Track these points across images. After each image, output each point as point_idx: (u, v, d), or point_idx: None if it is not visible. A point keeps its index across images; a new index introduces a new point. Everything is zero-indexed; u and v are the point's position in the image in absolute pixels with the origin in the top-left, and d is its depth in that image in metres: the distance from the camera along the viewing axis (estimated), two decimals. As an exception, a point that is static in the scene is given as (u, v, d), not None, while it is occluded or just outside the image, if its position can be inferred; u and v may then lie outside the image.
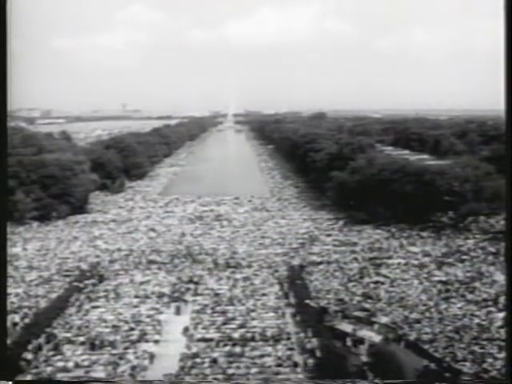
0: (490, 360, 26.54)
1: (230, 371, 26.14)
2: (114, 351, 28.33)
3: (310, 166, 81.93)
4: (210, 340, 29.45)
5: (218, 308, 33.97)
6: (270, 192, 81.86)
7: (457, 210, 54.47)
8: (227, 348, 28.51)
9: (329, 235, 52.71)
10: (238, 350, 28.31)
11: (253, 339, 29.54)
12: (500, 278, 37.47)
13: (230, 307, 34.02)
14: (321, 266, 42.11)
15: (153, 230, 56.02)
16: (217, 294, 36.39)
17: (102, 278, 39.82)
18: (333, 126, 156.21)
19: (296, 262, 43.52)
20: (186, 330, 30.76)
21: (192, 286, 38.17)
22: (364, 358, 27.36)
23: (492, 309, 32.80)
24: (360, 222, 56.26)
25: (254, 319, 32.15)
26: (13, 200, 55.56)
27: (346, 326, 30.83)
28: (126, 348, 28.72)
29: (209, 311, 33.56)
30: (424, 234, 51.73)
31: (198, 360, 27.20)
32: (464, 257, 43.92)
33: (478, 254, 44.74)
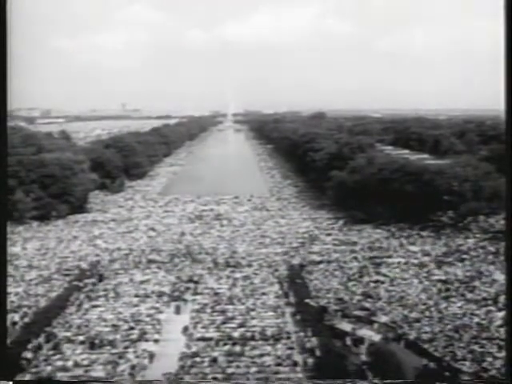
0: (489, 359, 26.56)
1: (230, 370, 26.15)
2: (113, 350, 28.33)
3: (310, 166, 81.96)
4: (210, 339, 29.46)
5: (217, 307, 33.98)
6: (270, 191, 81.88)
7: (456, 210, 54.51)
8: (227, 347, 28.52)
9: (329, 234, 52.75)
10: (237, 349, 28.32)
11: (252, 338, 29.55)
12: (500, 277, 37.50)
13: (230, 306, 34.03)
14: (321, 266, 42.12)
15: (152, 229, 56.03)
16: (216, 294, 36.41)
17: (101, 277, 39.82)
18: (332, 125, 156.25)
19: (296, 261, 43.55)
20: (185, 329, 30.78)
21: (192, 285, 38.18)
22: (364, 358, 27.38)
23: (492, 308, 32.82)
24: (360, 221, 56.29)
25: (253, 318, 32.16)
26: (12, 199, 55.57)
27: (346, 325, 30.87)
28: (126, 347, 28.73)
29: (208, 310, 33.57)
30: (424, 233, 51.77)
31: (197, 359, 27.21)
32: (464, 256, 43.95)
33: (477, 253, 44.77)
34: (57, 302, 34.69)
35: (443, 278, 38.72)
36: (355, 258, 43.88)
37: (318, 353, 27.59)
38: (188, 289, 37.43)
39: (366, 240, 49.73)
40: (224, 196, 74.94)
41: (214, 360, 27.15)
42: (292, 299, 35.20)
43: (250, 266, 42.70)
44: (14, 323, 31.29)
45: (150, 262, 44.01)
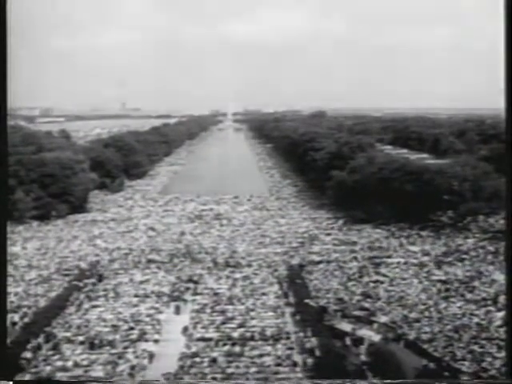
0: (489, 359, 26.57)
1: (229, 371, 26.16)
2: (113, 350, 28.33)
3: (310, 165, 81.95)
4: (210, 339, 29.46)
5: (217, 307, 33.98)
6: (270, 191, 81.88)
7: (456, 210, 54.51)
8: (226, 347, 28.52)
9: (328, 234, 52.75)
10: (237, 349, 28.32)
11: (252, 339, 29.55)
12: (499, 277, 37.49)
13: (230, 306, 34.03)
14: (320, 266, 42.12)
15: (152, 229, 56.03)
16: (216, 294, 36.41)
17: (101, 277, 39.82)
18: (332, 124, 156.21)
19: (295, 261, 43.55)
20: (185, 329, 30.78)
21: (191, 285, 38.18)
22: (363, 358, 27.38)
23: (491, 308, 32.83)
24: (359, 221, 56.28)
25: (253, 318, 32.16)
26: (12, 199, 55.53)
27: (346, 326, 30.88)
28: (126, 347, 28.73)
29: (208, 310, 33.57)
30: (423, 233, 51.78)
31: (197, 359, 27.22)
32: (463, 256, 43.96)
33: (477, 253, 44.78)
34: (56, 302, 34.69)
35: (443, 278, 38.73)
36: (355, 258, 43.88)
37: (317, 353, 27.60)
38: (188, 289, 37.43)
39: (365, 240, 49.73)
40: (224, 195, 74.95)
41: (214, 360, 27.15)
42: (292, 299, 35.21)
43: (249, 265, 42.70)
44: (14, 323, 31.27)
45: (150, 261, 44.01)
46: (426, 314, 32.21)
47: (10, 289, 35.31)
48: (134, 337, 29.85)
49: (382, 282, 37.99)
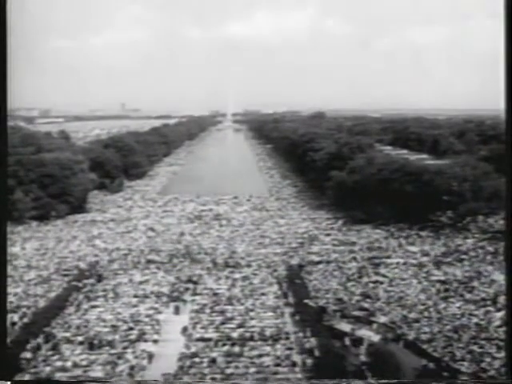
0: (488, 359, 26.58)
1: (229, 371, 26.16)
2: (112, 351, 28.32)
3: (309, 166, 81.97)
4: (209, 340, 29.46)
5: (216, 308, 33.98)
6: (269, 191, 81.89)
7: (456, 210, 54.53)
8: (226, 348, 28.52)
9: (328, 235, 52.75)
10: (236, 349, 28.32)
11: (251, 339, 29.55)
12: (498, 277, 37.51)
13: (229, 307, 34.03)
14: (320, 266, 42.13)
15: (152, 229, 56.01)
16: (216, 294, 36.40)
17: (100, 278, 39.80)
18: (332, 125, 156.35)
19: (295, 261, 43.56)
20: (184, 329, 30.77)
21: (191, 285, 38.18)
22: (363, 358, 27.38)
23: (490, 308, 32.84)
24: (359, 221, 56.30)
25: (252, 319, 32.16)
26: (12, 199, 55.51)
27: (345, 326, 30.88)
28: (125, 348, 28.72)
29: (208, 311, 33.56)
30: (423, 233, 51.79)
31: (196, 360, 27.21)
32: (463, 256, 43.97)
33: (476, 253, 44.79)
34: (56, 303, 34.68)
35: (442, 278, 38.74)
36: (354, 259, 43.89)
37: (316, 353, 27.59)
38: (187, 289, 37.42)
39: (365, 240, 49.74)
40: (223, 196, 74.94)
41: (213, 360, 27.15)
42: (291, 299, 35.20)
43: (249, 266, 42.69)
44: (13, 323, 31.26)
45: (149, 262, 43.99)
46: (426, 314, 32.22)
47: (9, 289, 35.30)
48: (133, 337, 29.84)
49: (381, 283, 38.00)
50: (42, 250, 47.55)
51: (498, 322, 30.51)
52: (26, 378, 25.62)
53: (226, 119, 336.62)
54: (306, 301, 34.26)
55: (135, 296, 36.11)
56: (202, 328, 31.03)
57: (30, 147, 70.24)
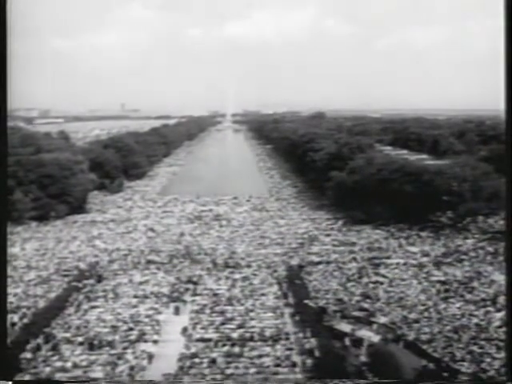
0: (488, 360, 26.58)
1: (229, 371, 26.16)
2: (112, 351, 28.31)
3: (309, 166, 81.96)
4: (209, 340, 29.45)
5: (216, 308, 33.97)
6: (269, 192, 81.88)
7: (455, 210, 54.55)
8: (226, 348, 28.51)
9: (328, 235, 52.74)
10: (236, 350, 28.31)
11: (251, 339, 29.55)
12: (498, 277, 37.53)
13: (229, 307, 34.02)
14: (320, 266, 42.12)
15: (152, 229, 56.00)
16: (216, 294, 36.39)
17: (100, 278, 39.78)
18: (332, 125, 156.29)
19: (295, 261, 43.54)
20: (184, 330, 30.76)
21: (191, 286, 38.16)
22: (363, 358, 27.37)
23: (490, 309, 32.85)
24: (359, 221, 56.29)
25: (252, 319, 32.16)
26: (11, 200, 55.48)
27: (345, 326, 30.87)
28: (125, 348, 28.71)
29: (208, 311, 33.55)
30: (423, 233, 51.79)
31: (196, 360, 27.21)
32: (463, 257, 43.98)
33: (476, 253, 44.80)
34: (56, 303, 34.66)
35: (442, 278, 38.74)
36: (354, 259, 43.89)
37: (316, 354, 27.59)
38: (187, 289, 37.41)
39: (365, 240, 49.74)
40: (223, 196, 74.92)
41: (213, 361, 27.15)
42: (291, 300, 35.19)
43: (249, 266, 42.68)
44: (13, 324, 31.25)
45: (149, 262, 43.97)
46: (426, 314, 32.23)
47: (9, 289, 35.29)
48: (133, 337, 29.83)
49: (381, 283, 38.00)
50: (41, 250, 47.53)
51: (497, 323, 30.52)
52: (27, 378, 25.60)
53: (225, 119, 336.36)
54: (305, 301, 34.26)
55: (135, 296, 36.10)
56: (202, 328, 31.03)
57: (30, 148, 70.21)
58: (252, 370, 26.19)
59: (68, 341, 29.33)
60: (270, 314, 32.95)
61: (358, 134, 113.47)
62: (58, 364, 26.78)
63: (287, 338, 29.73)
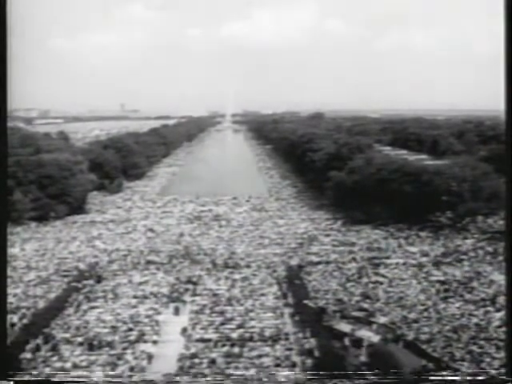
0: (487, 360, 26.60)
1: (229, 371, 26.13)
2: (112, 352, 28.31)
3: (309, 166, 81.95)
4: (209, 340, 29.45)
5: (216, 308, 33.97)
6: (269, 192, 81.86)
7: (455, 210, 54.54)
8: (225, 348, 28.52)
9: (327, 235, 52.74)
10: (236, 350, 28.31)
11: (251, 339, 29.55)
12: (498, 277, 37.54)
13: (229, 307, 34.02)
14: (319, 266, 42.13)
15: (151, 230, 55.99)
16: (215, 295, 36.38)
17: (100, 279, 39.77)
18: (331, 125, 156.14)
19: (294, 262, 43.54)
20: (184, 330, 30.76)
21: (190, 286, 38.16)
22: (362, 358, 27.38)
23: (490, 308, 32.86)
24: (358, 221, 56.29)
25: (252, 319, 32.16)
26: (11, 200, 55.43)
27: (345, 326, 30.86)
28: (125, 348, 28.71)
29: (207, 311, 33.55)
30: (422, 233, 51.80)
31: (196, 360, 27.20)
32: (462, 257, 43.99)
33: (476, 253, 44.81)
34: (55, 304, 34.66)
35: (442, 278, 38.75)
36: (354, 259, 43.89)
37: (316, 354, 27.59)
38: (187, 290, 37.41)
39: (364, 240, 49.75)
40: (223, 197, 74.89)
41: (213, 361, 27.14)
42: (291, 300, 35.19)
43: (248, 266, 42.68)
44: (13, 324, 31.23)
45: (149, 262, 43.96)
46: (425, 314, 32.24)
47: (8, 290, 35.26)
48: (132, 338, 29.82)
49: (380, 283, 38.00)
50: (41, 250, 47.51)
51: (497, 323, 30.53)
52: (26, 378, 25.59)
53: (225, 120, 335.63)
54: (305, 301, 34.27)
55: (135, 297, 36.10)
56: (202, 329, 31.03)
57: (29, 148, 70.30)
58: (252, 370, 26.15)
59: (67, 341, 29.33)
60: (270, 314, 32.95)
61: (358, 134, 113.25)
62: (58, 364, 26.77)
63: (287, 338, 29.73)
